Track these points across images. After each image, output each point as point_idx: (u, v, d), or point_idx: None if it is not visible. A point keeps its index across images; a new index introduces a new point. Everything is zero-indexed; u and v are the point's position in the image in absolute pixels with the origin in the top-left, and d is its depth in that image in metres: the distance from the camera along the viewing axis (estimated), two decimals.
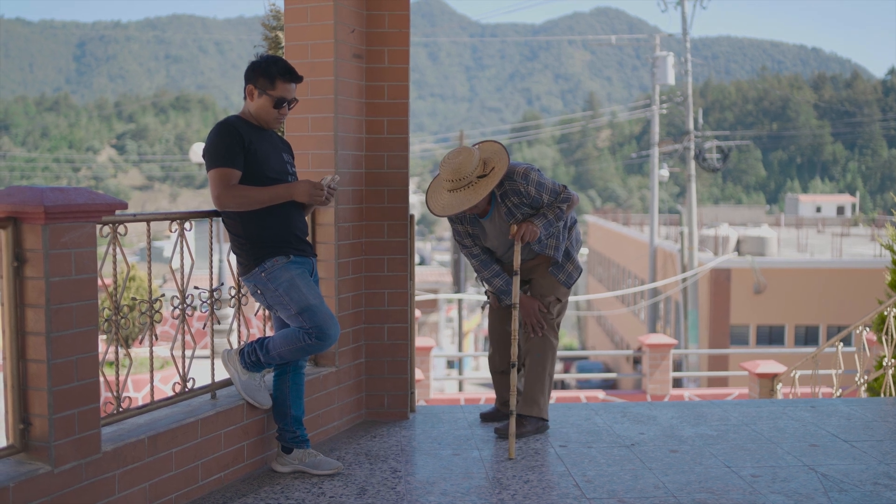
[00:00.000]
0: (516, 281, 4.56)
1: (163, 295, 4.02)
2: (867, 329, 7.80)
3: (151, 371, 3.86)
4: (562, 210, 4.66)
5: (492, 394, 12.14)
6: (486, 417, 5.19)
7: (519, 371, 4.95)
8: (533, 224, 4.57)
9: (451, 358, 30.47)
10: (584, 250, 54.70)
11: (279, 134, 4.35)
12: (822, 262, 28.16)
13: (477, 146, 4.63)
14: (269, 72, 3.97)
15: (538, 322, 4.80)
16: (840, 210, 67.04)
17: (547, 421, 4.96)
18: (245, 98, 4.08)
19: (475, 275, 5.03)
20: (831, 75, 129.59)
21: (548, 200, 4.65)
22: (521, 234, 4.56)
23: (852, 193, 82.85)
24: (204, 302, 4.09)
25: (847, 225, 48.44)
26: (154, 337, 3.81)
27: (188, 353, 4.02)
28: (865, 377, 7.75)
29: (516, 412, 4.77)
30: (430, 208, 4.66)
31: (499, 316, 5.04)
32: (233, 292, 4.29)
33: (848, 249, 32.26)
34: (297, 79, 4.03)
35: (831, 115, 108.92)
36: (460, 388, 21.16)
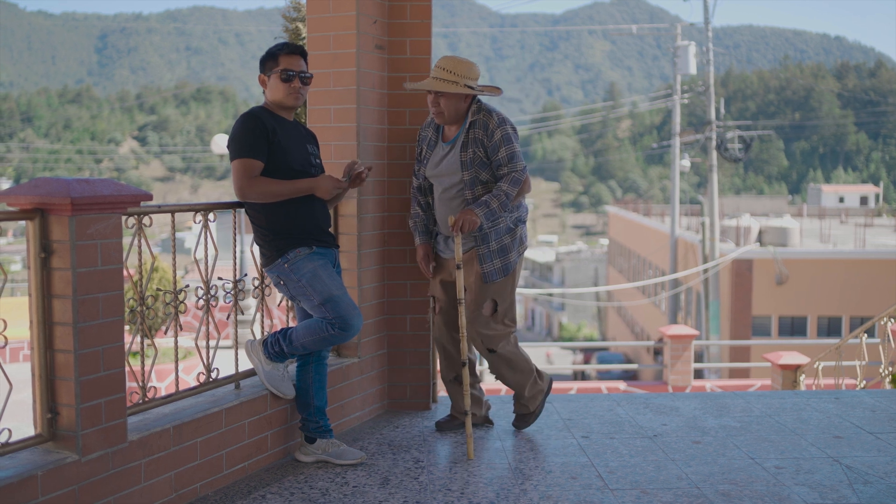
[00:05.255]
0: (460, 276, 4.38)
1: (187, 286, 4.04)
2: (891, 320, 7.75)
3: (176, 361, 3.89)
4: (508, 197, 4.41)
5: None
6: (441, 426, 4.83)
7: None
8: (473, 214, 4.34)
9: None
10: (604, 241, 54.47)
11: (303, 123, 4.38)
12: (844, 252, 27.91)
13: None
14: (270, 53, 4.09)
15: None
16: (863, 200, 66.44)
17: (537, 411, 4.87)
18: (263, 92, 4.14)
19: None
20: (855, 64, 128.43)
21: (503, 158, 4.40)
22: (459, 224, 4.34)
23: (876, 184, 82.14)
24: (228, 293, 4.12)
25: (870, 215, 48.03)
26: (178, 327, 3.84)
27: (212, 343, 4.04)
28: (890, 368, 7.70)
29: (517, 412, 4.86)
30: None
31: (443, 320, 4.75)
32: (256, 283, 4.32)
33: (871, 240, 31.98)
34: (296, 50, 4.10)
35: (855, 104, 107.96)
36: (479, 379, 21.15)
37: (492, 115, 4.47)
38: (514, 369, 4.72)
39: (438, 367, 5.08)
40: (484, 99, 4.63)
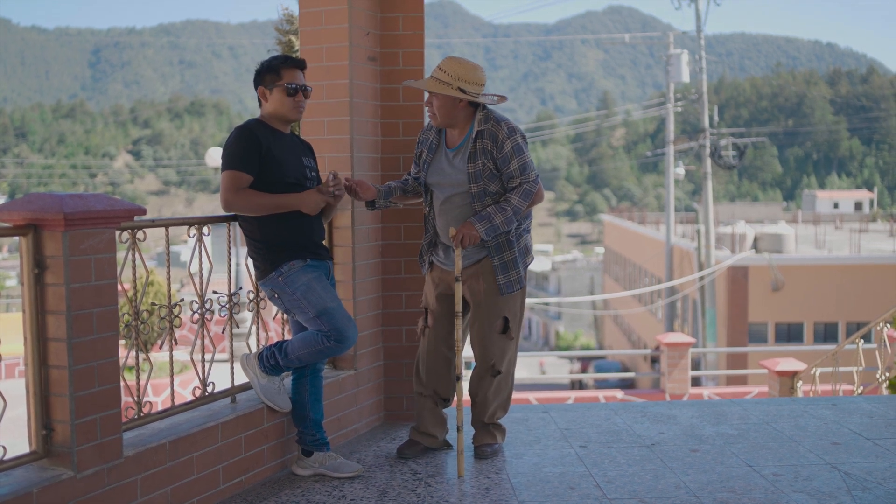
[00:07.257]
0: (459, 288, 4.26)
1: (182, 300, 4.03)
2: (888, 325, 7.75)
3: (172, 375, 3.87)
4: (517, 212, 4.25)
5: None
6: (404, 452, 4.54)
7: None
8: (474, 228, 4.18)
9: (468, 360, 30.46)
10: (599, 250, 54.49)
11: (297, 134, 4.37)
12: (840, 258, 27.98)
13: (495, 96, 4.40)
14: (271, 66, 4.06)
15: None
16: (858, 206, 66.60)
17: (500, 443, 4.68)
18: (260, 104, 4.12)
19: None
20: (847, 70, 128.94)
21: (514, 170, 4.23)
22: (459, 238, 4.18)
23: (870, 189, 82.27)
24: (223, 306, 4.10)
25: (865, 221, 48.10)
26: (174, 341, 3.83)
27: (207, 357, 4.03)
28: (887, 374, 7.70)
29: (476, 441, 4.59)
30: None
31: (435, 335, 4.54)
32: (251, 296, 4.30)
33: (866, 245, 32.06)
34: (299, 63, 4.10)
35: (847, 110, 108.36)
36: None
37: (500, 125, 4.27)
38: (499, 394, 4.56)
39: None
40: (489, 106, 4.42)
